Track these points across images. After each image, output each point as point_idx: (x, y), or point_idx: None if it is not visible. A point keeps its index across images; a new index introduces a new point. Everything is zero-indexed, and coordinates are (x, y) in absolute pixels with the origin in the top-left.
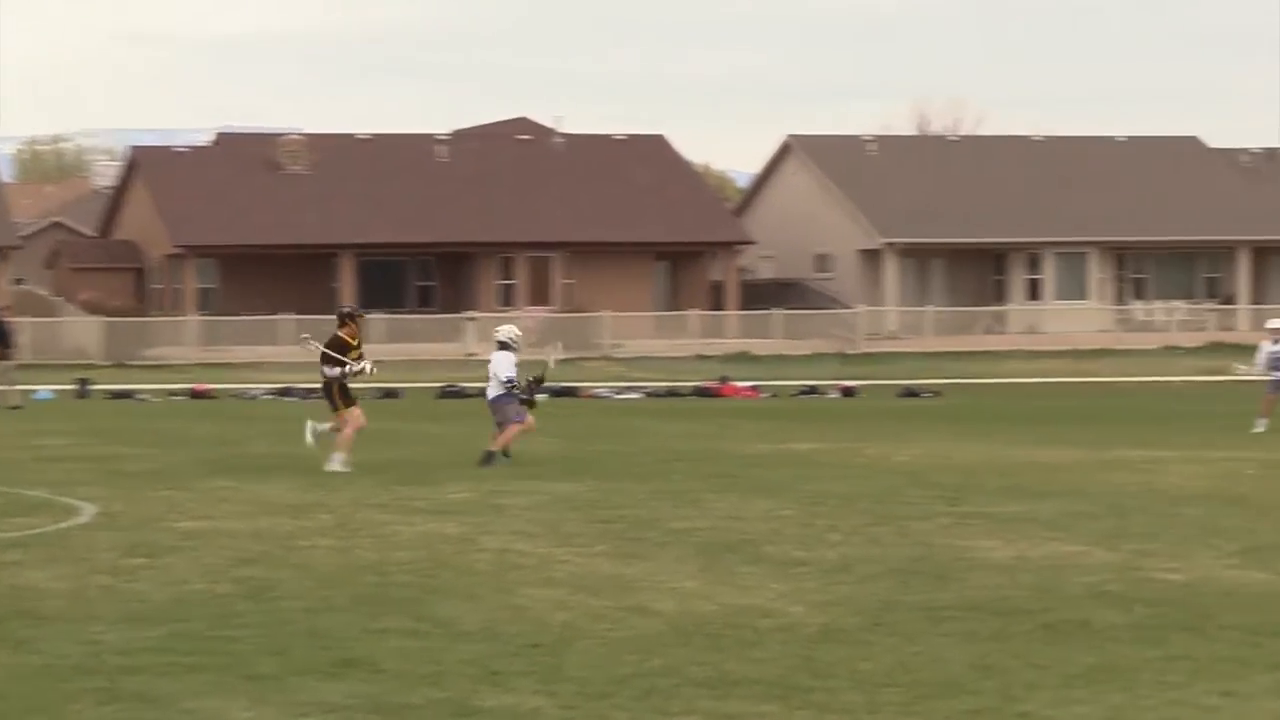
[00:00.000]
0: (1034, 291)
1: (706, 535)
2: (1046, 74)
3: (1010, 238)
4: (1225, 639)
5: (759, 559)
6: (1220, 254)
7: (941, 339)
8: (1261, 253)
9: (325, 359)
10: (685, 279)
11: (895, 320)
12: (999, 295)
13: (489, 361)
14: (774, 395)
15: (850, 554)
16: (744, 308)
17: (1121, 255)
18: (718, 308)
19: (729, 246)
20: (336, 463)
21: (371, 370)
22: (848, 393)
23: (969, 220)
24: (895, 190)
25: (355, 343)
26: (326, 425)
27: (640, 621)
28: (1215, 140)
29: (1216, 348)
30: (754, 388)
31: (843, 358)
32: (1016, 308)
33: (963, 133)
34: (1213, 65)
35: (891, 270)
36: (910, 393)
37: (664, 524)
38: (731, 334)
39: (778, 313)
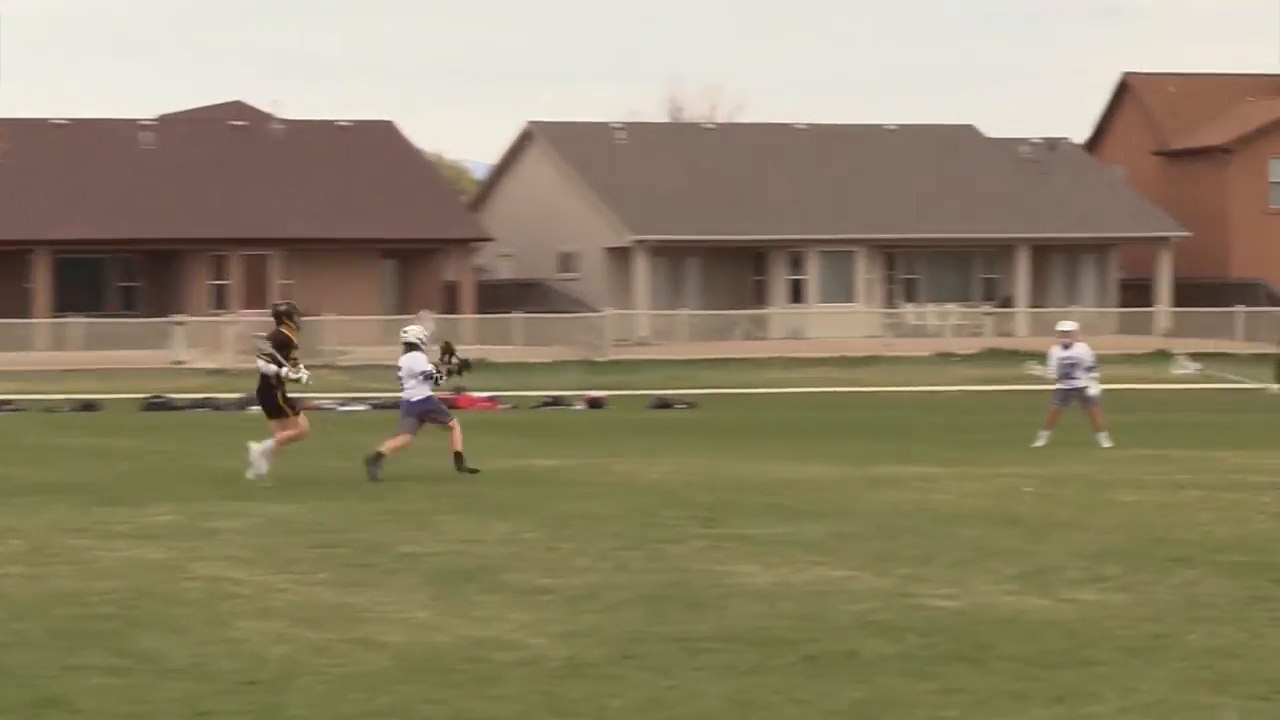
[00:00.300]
0: (797, 294)
1: (439, 561)
2: (811, 56)
3: (771, 235)
4: (1003, 671)
5: (497, 587)
6: (998, 253)
7: (697, 345)
8: (1042, 251)
9: (266, 356)
10: (416, 279)
11: (646, 325)
12: (759, 298)
13: (398, 368)
14: (514, 407)
15: (598, 581)
16: (481, 311)
17: (891, 254)
18: (452, 311)
19: (464, 244)
20: (259, 464)
21: (307, 380)
22: (595, 404)
23: (727, 216)
24: (646, 183)
25: (295, 345)
26: (268, 443)
27: (366, 656)
28: (993, 129)
29: (994, 355)
30: (492, 399)
31: (589, 366)
32: (778, 311)
33: (720, 120)
34: (991, 47)
35: (642, 270)
36: (663, 404)
37: (392, 548)
38: (467, 340)
39: (518, 316)
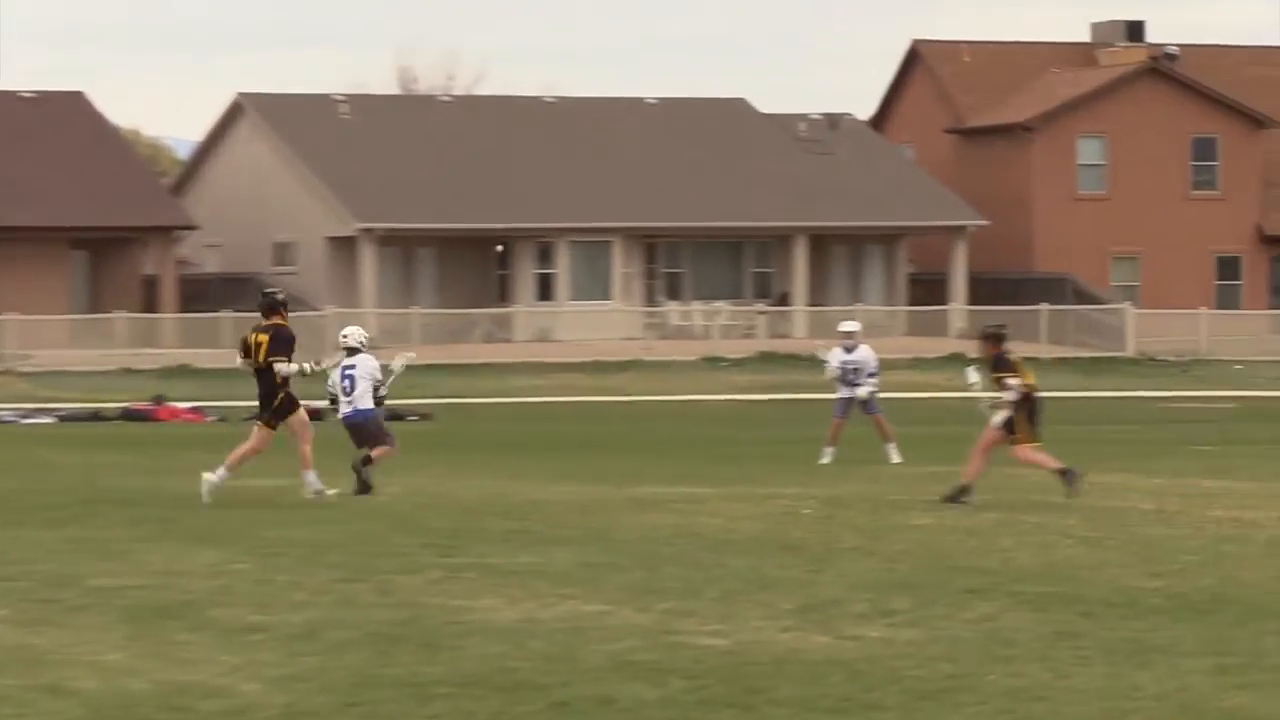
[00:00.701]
0: (546, 290)
1: (137, 595)
2: (561, 20)
3: (516, 223)
4: (778, 717)
5: (203, 624)
6: (772, 243)
7: (432, 348)
8: (822, 242)
9: (276, 355)
10: (110, 273)
11: (374, 324)
12: (503, 294)
13: (344, 370)
14: (222, 419)
15: (318, 617)
16: (185, 309)
17: (652, 245)
18: (151, 309)
19: (165, 232)
20: (313, 484)
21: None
22: (314, 415)
23: (465, 201)
24: (374, 163)
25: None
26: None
27: (54, 704)
28: (768, 104)
29: (768, 359)
30: (197, 409)
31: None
32: (524, 309)
33: (458, 92)
34: (766, 10)
35: (369, 263)
36: (393, 415)
37: (83, 582)
38: (169, 342)
39: (227, 316)
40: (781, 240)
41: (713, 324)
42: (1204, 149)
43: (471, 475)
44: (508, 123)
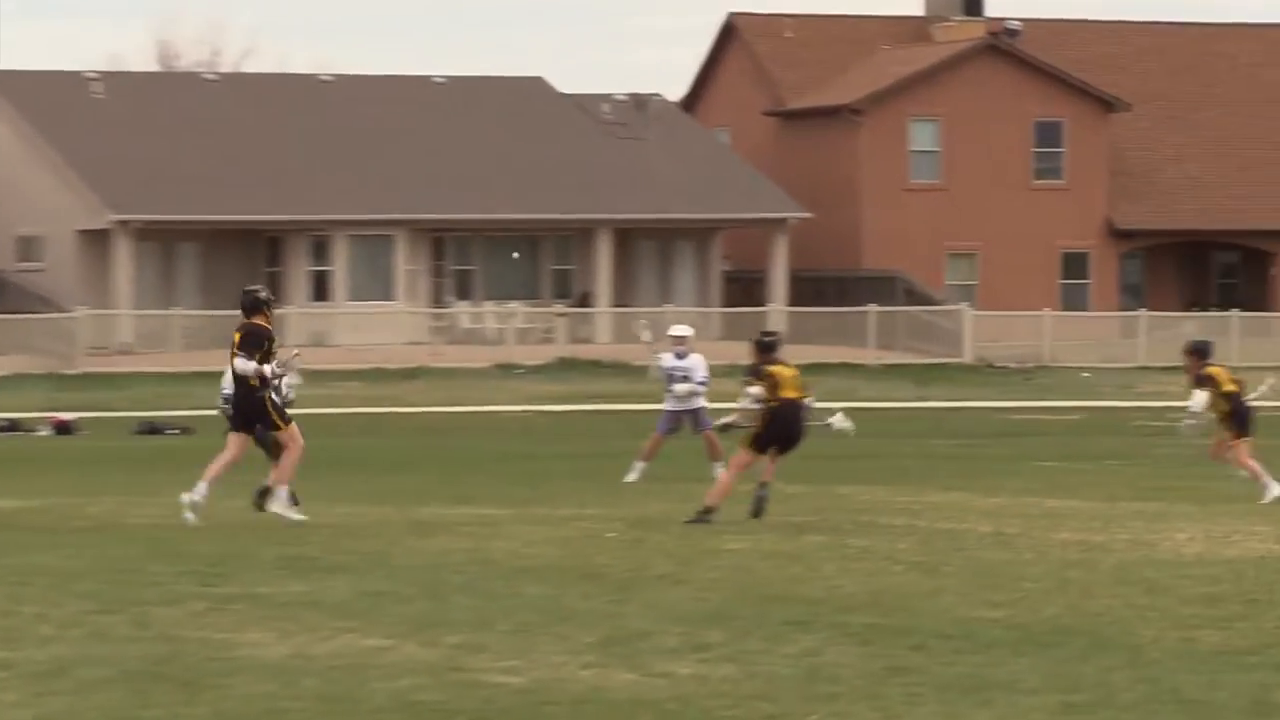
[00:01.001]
0: (321, 289)
1: None
2: None
3: (288, 214)
4: None
5: None
6: (573, 238)
7: (194, 355)
8: (627, 236)
9: (244, 354)
10: None
11: (130, 328)
12: (274, 294)
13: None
14: None
15: (67, 653)
16: None
17: (440, 239)
18: None
19: None
20: (282, 502)
21: (295, 386)
22: (63, 428)
23: (232, 191)
24: (130, 149)
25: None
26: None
27: None
28: (568, 83)
29: (569, 366)
30: None
31: (57, 380)
32: (297, 311)
33: (223, 70)
34: None
35: (124, 259)
36: (151, 428)
37: None
38: None
39: None
40: (583, 234)
41: (507, 327)
42: (1048, 134)
43: (238, 495)
44: (279, 104)
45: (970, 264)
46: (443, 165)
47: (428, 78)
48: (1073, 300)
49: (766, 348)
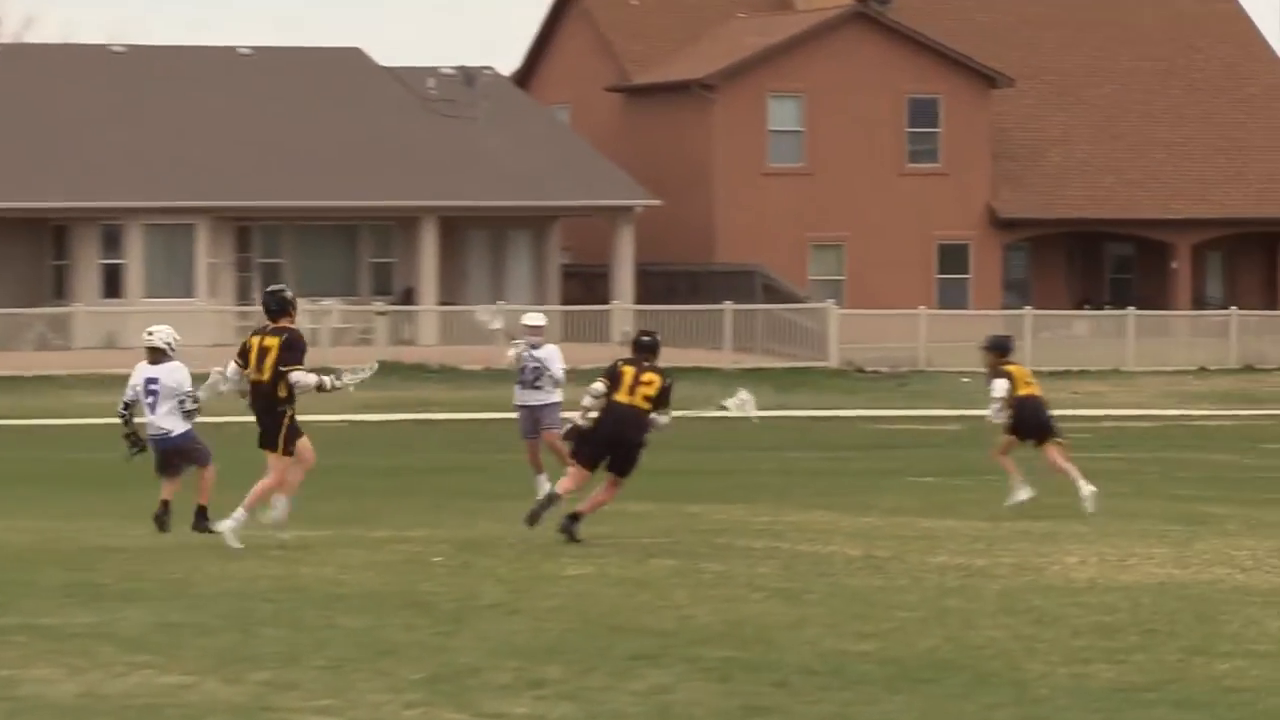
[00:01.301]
0: (113, 284)
1: None
2: None
3: (76, 201)
4: None
5: None
6: (394, 228)
7: None
8: (454, 226)
9: (288, 364)
10: None
11: None
12: (60, 289)
13: (147, 383)
14: None
15: None
16: None
17: (246, 228)
18: None
19: None
20: (280, 509)
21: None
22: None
23: (12, 175)
24: None
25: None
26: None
27: None
28: (389, 56)
29: (391, 370)
30: None
31: None
32: (86, 309)
33: (2, 40)
34: None
35: None
36: None
37: None
38: None
39: None
40: (405, 224)
41: (321, 327)
42: (923, 113)
43: (22, 514)
44: (66, 77)
45: (837, 256)
46: (249, 147)
47: (232, 48)
48: (951, 297)
49: (645, 349)
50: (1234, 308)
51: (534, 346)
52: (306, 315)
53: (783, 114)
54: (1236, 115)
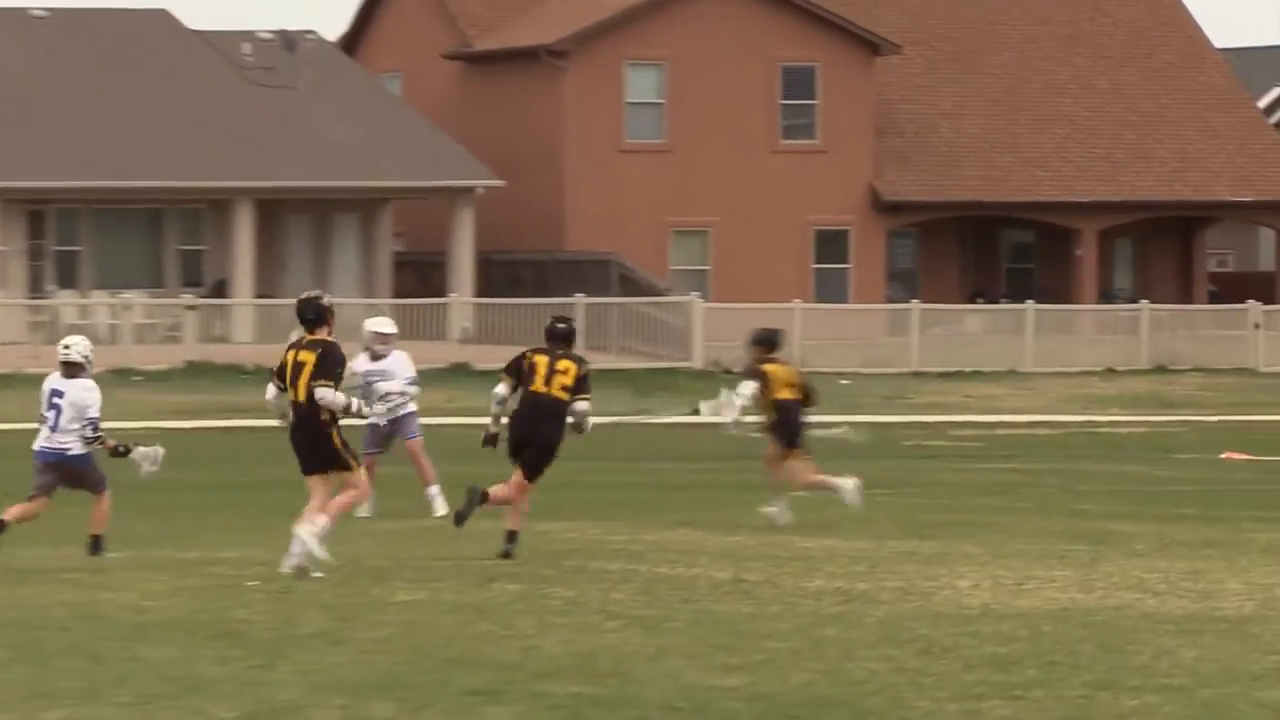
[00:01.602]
0: None
1: None
2: None
3: None
4: None
5: None
6: (204, 211)
7: None
8: (273, 209)
9: (326, 382)
10: None
11: None
12: None
13: (52, 394)
14: None
15: None
16: None
17: (38, 213)
18: None
19: None
20: (314, 543)
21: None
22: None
23: None
24: None
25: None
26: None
27: None
28: (200, 19)
29: (200, 371)
30: None
31: None
32: None
33: None
34: None
35: None
36: None
37: None
38: None
39: None
40: (217, 207)
41: (122, 323)
42: (798, 83)
43: None
44: None
45: (701, 244)
46: (41, 121)
47: (24, 10)
48: (829, 289)
49: (560, 336)
50: (1144, 301)
51: (376, 356)
52: (106, 310)
53: (641, 84)
54: (1149, 86)
